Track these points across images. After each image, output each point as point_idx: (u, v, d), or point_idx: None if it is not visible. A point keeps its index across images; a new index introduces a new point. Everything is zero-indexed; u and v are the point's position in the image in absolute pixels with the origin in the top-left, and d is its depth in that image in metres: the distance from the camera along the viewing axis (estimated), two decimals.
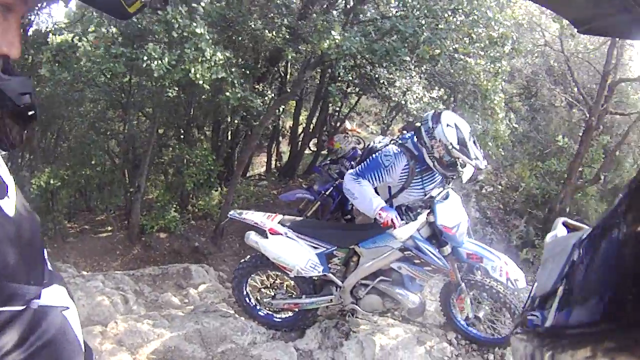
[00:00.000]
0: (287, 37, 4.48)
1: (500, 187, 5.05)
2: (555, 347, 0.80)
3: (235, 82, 4.27)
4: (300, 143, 5.49)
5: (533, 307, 1.26)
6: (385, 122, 5.74)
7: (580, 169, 4.59)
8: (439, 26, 4.41)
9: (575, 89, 5.25)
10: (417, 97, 3.80)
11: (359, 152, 4.89)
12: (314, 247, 3.18)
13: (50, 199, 6.13)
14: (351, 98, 5.61)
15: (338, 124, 5.79)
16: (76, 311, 0.86)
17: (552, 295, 1.04)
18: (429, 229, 3.05)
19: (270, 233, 3.15)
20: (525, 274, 3.31)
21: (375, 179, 2.96)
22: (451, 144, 2.83)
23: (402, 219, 2.90)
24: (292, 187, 4.73)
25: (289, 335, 3.56)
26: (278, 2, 4.52)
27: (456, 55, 4.35)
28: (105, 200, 6.34)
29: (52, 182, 5.92)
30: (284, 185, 4.98)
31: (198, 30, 3.84)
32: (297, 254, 3.11)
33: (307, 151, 5.67)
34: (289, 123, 5.91)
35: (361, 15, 4.84)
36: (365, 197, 2.92)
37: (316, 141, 5.80)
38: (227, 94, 4.34)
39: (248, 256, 3.49)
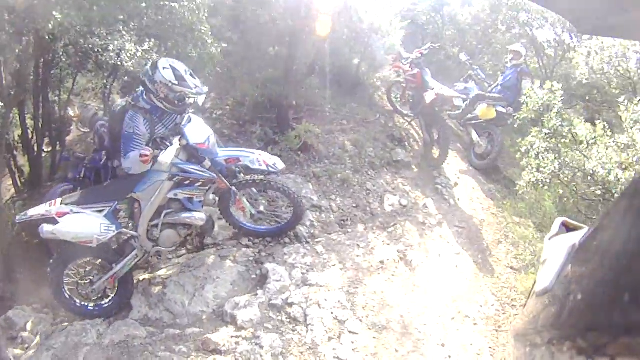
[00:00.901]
0: (11, 31, 3.95)
1: (228, 107, 5.80)
2: (556, 345, 0.81)
3: None
4: (35, 147, 5.05)
5: (532, 305, 1.27)
6: (105, 92, 5.70)
7: (295, 67, 5.55)
8: None
9: (278, 5, 6.12)
10: (131, 54, 3.99)
11: (99, 114, 5.06)
12: (99, 211, 3.35)
13: None
14: (67, 82, 5.33)
15: (62, 113, 5.47)
16: None
17: (552, 294, 1.06)
18: (185, 152, 3.46)
19: (58, 217, 3.21)
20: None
21: (136, 146, 3.33)
22: (170, 82, 3.31)
23: (160, 149, 3.33)
24: (47, 190, 4.42)
25: (122, 314, 3.70)
26: None
27: (162, 4, 4.55)
28: None
29: None
30: (38, 196, 4.61)
31: None
32: (89, 223, 3.25)
33: (44, 154, 5.27)
34: (18, 132, 5.26)
35: None
36: (135, 162, 3.29)
37: (47, 140, 5.41)
38: None
39: (50, 261, 3.48)
